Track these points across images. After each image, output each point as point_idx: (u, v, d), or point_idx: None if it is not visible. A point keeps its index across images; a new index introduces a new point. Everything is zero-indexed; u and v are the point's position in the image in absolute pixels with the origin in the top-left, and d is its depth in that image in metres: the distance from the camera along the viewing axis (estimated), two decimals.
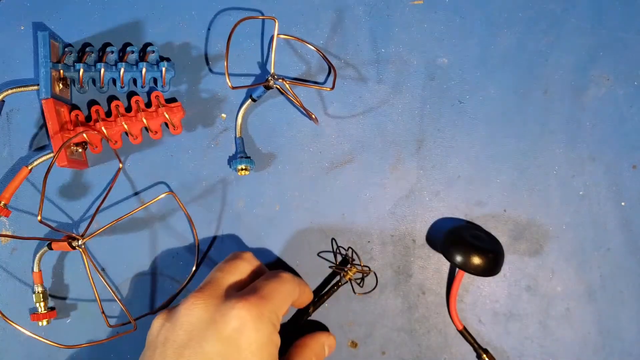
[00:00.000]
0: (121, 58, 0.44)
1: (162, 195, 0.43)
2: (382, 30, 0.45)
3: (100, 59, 0.44)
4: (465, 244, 0.40)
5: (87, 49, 0.44)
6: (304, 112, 0.44)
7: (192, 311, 0.33)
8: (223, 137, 0.45)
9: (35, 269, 0.43)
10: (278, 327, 0.34)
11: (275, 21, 0.43)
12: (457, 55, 0.45)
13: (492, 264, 0.40)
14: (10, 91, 0.43)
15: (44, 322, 0.42)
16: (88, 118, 0.44)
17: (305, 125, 0.45)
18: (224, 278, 0.36)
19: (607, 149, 0.45)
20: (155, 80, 0.44)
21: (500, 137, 0.45)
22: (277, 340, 0.34)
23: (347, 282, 0.42)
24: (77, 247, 0.40)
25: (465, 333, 0.43)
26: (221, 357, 0.31)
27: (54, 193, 0.44)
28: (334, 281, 0.43)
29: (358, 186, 0.44)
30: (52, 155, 0.42)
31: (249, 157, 0.43)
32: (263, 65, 0.45)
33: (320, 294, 0.43)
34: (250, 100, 0.44)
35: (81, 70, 0.42)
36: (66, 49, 0.43)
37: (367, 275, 0.43)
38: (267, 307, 0.33)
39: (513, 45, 0.45)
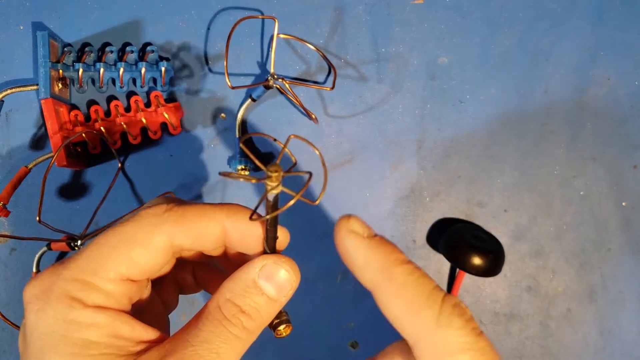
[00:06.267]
0: (120, 58, 0.44)
1: (162, 196, 0.43)
2: (383, 30, 0.45)
3: (99, 59, 0.44)
4: (466, 245, 0.40)
5: (87, 49, 0.43)
6: (304, 112, 0.44)
7: (25, 289, 0.24)
8: (222, 137, 0.45)
9: (35, 270, 0.43)
10: (94, 299, 0.22)
11: (275, 21, 0.42)
12: (458, 54, 0.45)
13: (493, 264, 0.40)
14: (9, 91, 0.43)
15: None
16: (87, 118, 0.44)
17: (305, 125, 0.45)
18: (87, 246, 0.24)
19: (608, 149, 0.44)
20: (154, 80, 0.44)
21: (501, 137, 0.45)
22: (87, 319, 0.22)
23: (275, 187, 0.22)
24: (76, 248, 0.40)
25: None
26: (20, 354, 0.23)
27: (53, 193, 0.44)
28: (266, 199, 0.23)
29: (358, 186, 0.44)
30: (51, 155, 0.42)
31: (249, 157, 0.43)
32: (263, 65, 0.45)
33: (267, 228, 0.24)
34: (250, 100, 0.44)
35: (80, 70, 0.42)
36: (65, 49, 0.43)
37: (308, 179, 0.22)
38: (61, 274, 0.22)
39: (514, 44, 0.45)
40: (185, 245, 0.24)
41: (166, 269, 0.27)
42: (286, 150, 0.22)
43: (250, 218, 0.23)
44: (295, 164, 0.24)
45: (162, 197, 0.28)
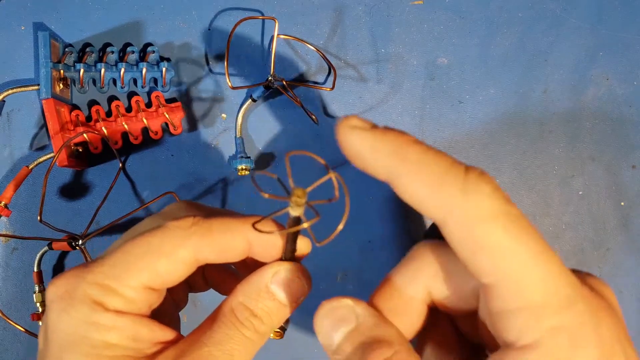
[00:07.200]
0: (121, 58, 0.44)
1: (162, 195, 0.43)
2: (382, 30, 0.45)
3: (100, 59, 0.44)
4: None
5: (88, 49, 0.44)
6: (304, 112, 0.44)
7: (49, 288, 0.24)
8: (223, 137, 0.45)
9: (36, 269, 0.43)
10: (115, 305, 0.23)
11: (275, 21, 0.43)
12: (457, 55, 0.45)
13: None
14: (10, 91, 0.43)
15: None
16: (88, 118, 0.44)
17: (305, 125, 0.45)
18: (119, 244, 0.24)
19: (606, 148, 0.45)
20: (155, 81, 0.44)
21: (500, 137, 0.45)
22: (108, 321, 0.22)
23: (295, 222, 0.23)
24: (77, 247, 0.41)
25: None
26: (39, 351, 0.24)
27: (54, 193, 0.44)
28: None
29: (358, 186, 0.45)
30: (52, 155, 0.42)
31: (249, 157, 0.43)
32: (263, 65, 0.45)
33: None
34: (250, 100, 0.44)
35: (81, 71, 0.42)
36: (67, 49, 0.43)
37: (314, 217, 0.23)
38: (86, 278, 0.23)
39: (513, 45, 0.45)
40: (210, 258, 0.24)
41: None
42: (334, 179, 0.23)
43: (253, 225, 0.23)
44: (334, 199, 0.24)
45: (185, 204, 0.28)
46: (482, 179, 0.19)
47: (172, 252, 0.23)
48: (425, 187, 0.19)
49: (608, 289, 0.22)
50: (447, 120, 0.45)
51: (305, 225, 0.22)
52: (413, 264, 0.24)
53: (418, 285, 0.23)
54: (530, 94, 0.45)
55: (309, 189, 0.22)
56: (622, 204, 0.44)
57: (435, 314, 0.25)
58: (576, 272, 0.21)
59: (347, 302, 0.23)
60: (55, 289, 0.23)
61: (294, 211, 0.22)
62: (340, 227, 0.23)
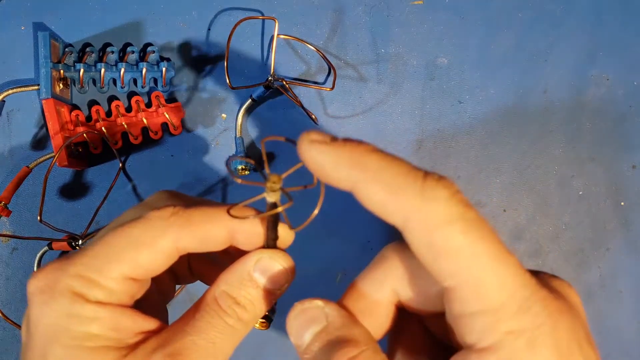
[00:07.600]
0: (121, 58, 0.44)
1: None
2: (382, 31, 0.45)
3: (100, 59, 0.44)
4: None
5: (88, 49, 0.44)
6: (304, 112, 0.44)
7: (30, 281, 0.24)
8: (223, 137, 0.45)
9: (36, 269, 0.43)
10: (96, 296, 0.23)
11: (275, 21, 0.43)
12: (457, 55, 0.45)
13: None
14: (10, 91, 0.43)
15: None
16: (88, 118, 0.44)
17: (305, 125, 0.45)
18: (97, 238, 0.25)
19: (606, 149, 0.45)
20: (155, 81, 0.44)
21: (500, 137, 0.45)
22: (89, 313, 0.23)
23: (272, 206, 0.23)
24: (77, 247, 0.41)
25: None
26: (23, 344, 0.24)
27: (54, 193, 0.44)
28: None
29: None
30: (52, 155, 0.42)
31: (249, 157, 0.44)
32: (263, 65, 0.45)
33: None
34: (250, 100, 0.44)
35: (81, 71, 0.42)
36: (66, 49, 0.43)
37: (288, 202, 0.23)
38: (67, 270, 0.23)
39: (513, 45, 0.45)
40: (191, 248, 0.24)
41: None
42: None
43: (227, 211, 0.23)
44: (310, 185, 0.24)
45: (167, 194, 0.28)
46: (439, 184, 0.20)
47: (152, 242, 0.23)
48: (384, 194, 0.20)
49: (571, 290, 0.22)
50: (447, 120, 0.45)
51: (279, 209, 0.23)
52: (380, 266, 0.24)
53: (385, 288, 0.24)
54: (530, 94, 0.45)
55: (284, 175, 0.22)
56: (622, 204, 0.44)
57: (406, 315, 0.25)
58: (536, 274, 0.21)
59: (317, 303, 0.23)
60: (37, 282, 0.23)
61: (270, 197, 0.22)
62: (315, 212, 0.24)
